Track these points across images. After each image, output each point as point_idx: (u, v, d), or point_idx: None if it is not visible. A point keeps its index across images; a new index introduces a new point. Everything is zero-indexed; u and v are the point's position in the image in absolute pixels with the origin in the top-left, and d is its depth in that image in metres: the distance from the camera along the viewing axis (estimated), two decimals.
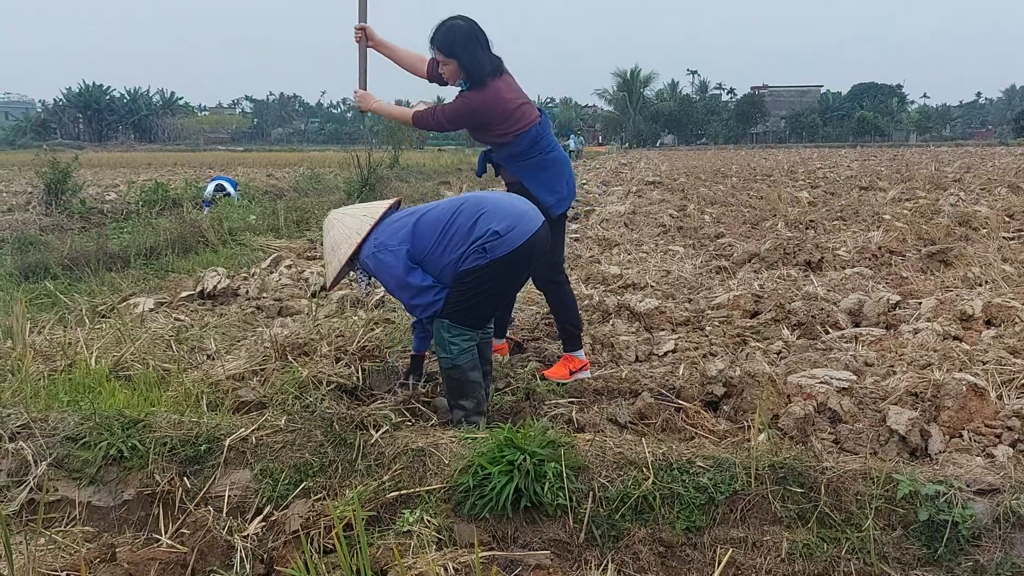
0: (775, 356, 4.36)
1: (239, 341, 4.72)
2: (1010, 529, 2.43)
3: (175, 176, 22.70)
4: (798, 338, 4.72)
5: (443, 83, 4.05)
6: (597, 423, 3.46)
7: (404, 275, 3.40)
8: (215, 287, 6.14)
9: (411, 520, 2.61)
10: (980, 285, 5.81)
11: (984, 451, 3.17)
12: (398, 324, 4.63)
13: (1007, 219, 9.54)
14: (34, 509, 2.85)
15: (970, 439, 3.27)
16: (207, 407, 3.54)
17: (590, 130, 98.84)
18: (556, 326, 4.33)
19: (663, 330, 4.98)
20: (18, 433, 3.11)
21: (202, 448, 2.99)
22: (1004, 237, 8.24)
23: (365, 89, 4.25)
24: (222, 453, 2.96)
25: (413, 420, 3.51)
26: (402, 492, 2.75)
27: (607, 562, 2.54)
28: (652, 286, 6.21)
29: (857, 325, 5.00)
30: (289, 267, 7.32)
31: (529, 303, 5.59)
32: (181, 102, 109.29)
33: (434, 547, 2.53)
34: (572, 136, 49.29)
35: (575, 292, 5.75)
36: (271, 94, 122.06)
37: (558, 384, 3.96)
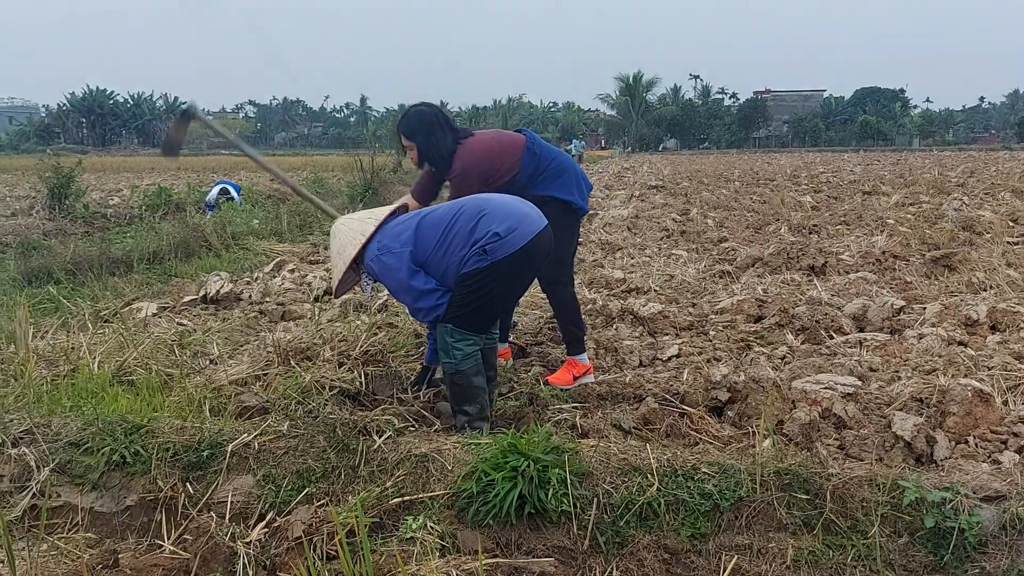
0: (779, 361, 4.35)
1: (242, 346, 4.72)
2: (1017, 536, 2.41)
3: (178, 180, 22.72)
4: (802, 343, 4.71)
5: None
6: (601, 428, 3.44)
7: (407, 278, 3.39)
8: (218, 291, 6.14)
9: (414, 527, 2.60)
10: (985, 290, 5.79)
11: (990, 457, 3.15)
12: (401, 328, 4.62)
13: (1011, 224, 9.52)
14: (37, 515, 2.85)
15: (976, 445, 3.25)
16: (210, 412, 3.53)
17: (592, 134, 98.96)
18: (559, 329, 4.32)
19: (667, 335, 4.97)
20: (21, 439, 3.10)
21: (205, 454, 2.98)
22: (1008, 242, 8.22)
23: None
24: (225, 459, 2.95)
25: (416, 426, 3.50)
26: (405, 498, 2.74)
27: (611, 569, 2.53)
28: (655, 290, 6.20)
29: (861, 330, 4.98)
30: (292, 271, 7.32)
31: (532, 307, 5.59)
32: (184, 107, 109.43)
33: (437, 554, 2.52)
34: (574, 140, 49.58)
35: (578, 296, 5.76)
36: (274, 99, 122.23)
37: (561, 389, 3.94)
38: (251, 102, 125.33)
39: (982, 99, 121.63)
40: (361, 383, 3.88)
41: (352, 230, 3.58)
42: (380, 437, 3.02)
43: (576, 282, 6.43)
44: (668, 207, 13.18)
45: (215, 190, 13.81)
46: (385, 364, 4.08)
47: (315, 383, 3.72)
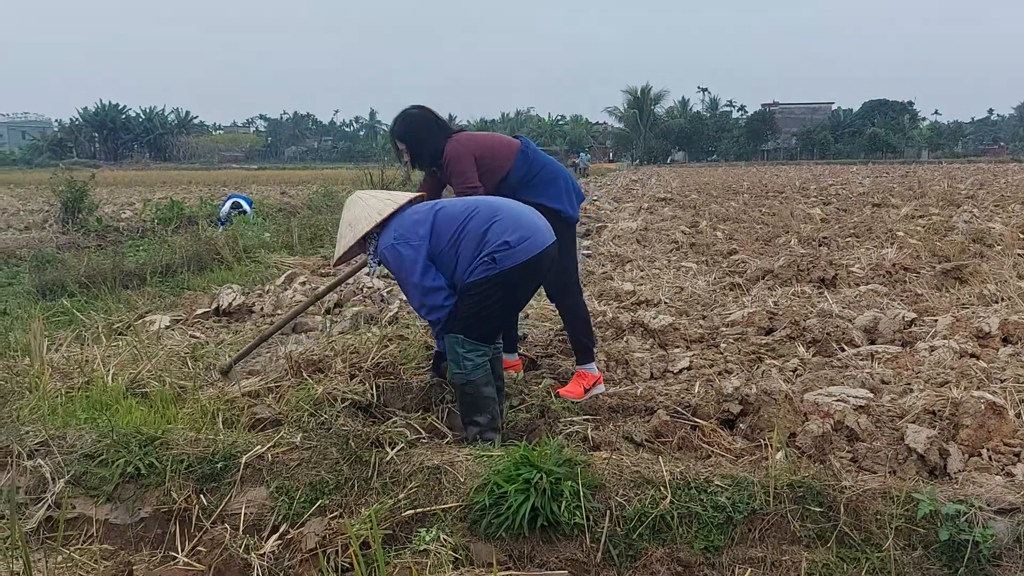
0: (791, 374, 4.34)
1: (254, 358, 4.74)
2: None
3: (190, 194, 22.89)
4: (814, 355, 4.70)
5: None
6: (613, 441, 3.45)
7: (421, 273, 3.38)
8: (230, 304, 6.18)
9: (427, 539, 2.60)
10: (996, 302, 5.77)
11: (1003, 470, 3.14)
12: (412, 341, 4.63)
13: (1022, 236, 9.48)
14: (52, 526, 2.87)
15: (989, 458, 3.24)
16: (223, 424, 3.55)
17: (600, 147, 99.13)
18: (569, 339, 4.34)
19: (677, 347, 4.97)
20: (36, 450, 3.13)
21: (218, 465, 3.00)
22: (1019, 254, 8.18)
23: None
24: (238, 471, 2.97)
25: (428, 438, 3.51)
26: (418, 510, 2.75)
27: None
28: (666, 303, 6.20)
29: (873, 342, 4.97)
30: (303, 284, 7.35)
31: (542, 319, 5.60)
32: (196, 121, 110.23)
33: (450, 566, 2.53)
34: (581, 153, 49.88)
35: (588, 308, 5.77)
36: (285, 113, 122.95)
37: (573, 401, 3.95)
38: (262, 116, 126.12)
39: (991, 111, 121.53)
40: (373, 395, 3.89)
41: (369, 206, 3.60)
42: (393, 449, 3.03)
43: (586, 294, 6.45)
44: (677, 219, 13.19)
45: (227, 203, 13.89)
46: (396, 376, 4.10)
47: (327, 395, 3.74)
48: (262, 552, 2.65)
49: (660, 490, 2.69)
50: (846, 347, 4.84)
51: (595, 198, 19.65)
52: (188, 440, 3.14)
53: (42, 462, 3.06)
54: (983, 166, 44.82)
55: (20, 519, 2.88)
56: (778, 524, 2.58)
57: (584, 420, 3.73)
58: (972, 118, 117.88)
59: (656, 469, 2.79)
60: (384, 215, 3.52)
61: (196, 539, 2.82)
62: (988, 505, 2.52)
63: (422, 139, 4.05)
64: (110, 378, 4.03)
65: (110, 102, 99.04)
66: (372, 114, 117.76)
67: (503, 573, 2.51)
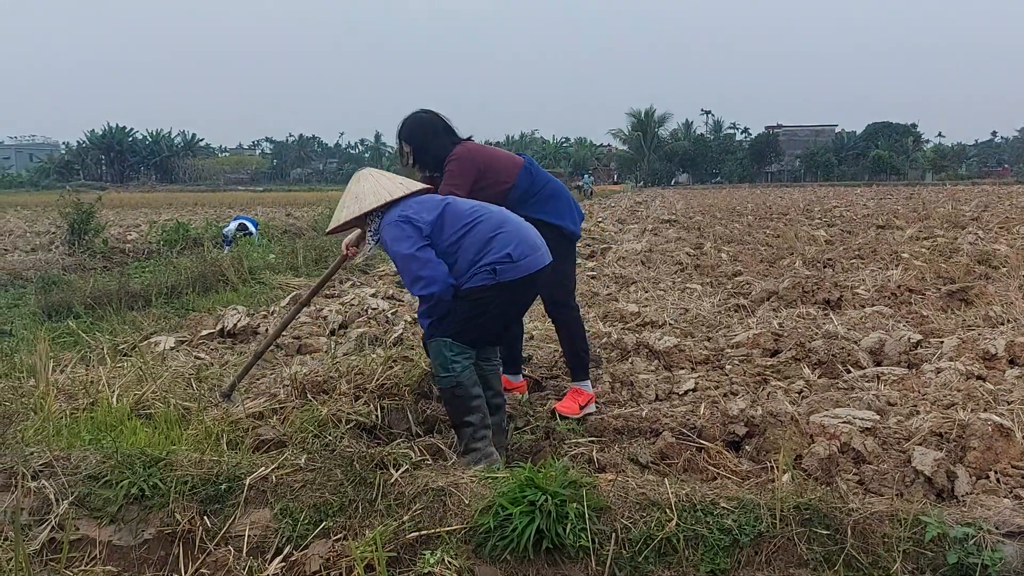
0: (797, 395, 4.33)
1: (259, 379, 4.74)
2: None
3: (196, 216, 23.00)
4: (819, 377, 4.69)
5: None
6: (618, 463, 3.43)
7: (420, 247, 3.42)
8: (235, 325, 6.19)
9: (432, 561, 2.59)
10: (1002, 324, 5.75)
11: (1012, 492, 3.11)
12: (416, 362, 4.63)
13: None
14: (56, 548, 2.86)
15: (997, 480, 3.21)
16: (227, 446, 3.55)
17: (605, 168, 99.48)
18: (565, 354, 4.33)
19: (683, 368, 4.96)
20: (40, 471, 3.12)
21: (222, 487, 2.99)
22: None
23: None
24: (242, 492, 2.95)
25: (432, 459, 3.50)
26: (422, 532, 2.73)
27: None
28: (670, 324, 6.19)
29: (879, 364, 4.95)
30: (307, 305, 7.36)
31: (547, 340, 5.59)
32: (202, 144, 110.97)
33: None
34: (585, 175, 50.26)
35: (593, 330, 5.77)
36: (290, 135, 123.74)
37: (577, 423, 3.94)
38: (267, 139, 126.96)
39: (994, 133, 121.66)
40: (377, 416, 3.89)
41: (380, 185, 3.62)
42: (397, 471, 3.01)
43: (591, 315, 6.46)
44: (681, 241, 13.21)
45: (233, 225, 13.96)
46: (401, 398, 4.09)
47: (332, 416, 3.74)
48: (265, 574, 2.63)
49: (666, 512, 2.67)
50: (852, 369, 4.82)
51: (600, 219, 19.69)
52: (192, 461, 3.13)
53: (46, 483, 3.05)
54: (987, 188, 44.86)
55: (24, 540, 2.87)
56: (785, 547, 2.56)
57: (589, 442, 3.71)
58: (976, 140, 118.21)
59: (662, 491, 2.77)
60: (394, 196, 3.57)
61: (199, 561, 2.80)
62: (997, 528, 2.50)
63: (428, 142, 4.05)
64: (115, 399, 4.03)
65: (117, 125, 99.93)
66: (377, 136, 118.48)
67: None
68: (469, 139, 4.16)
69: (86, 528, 2.95)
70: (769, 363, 4.95)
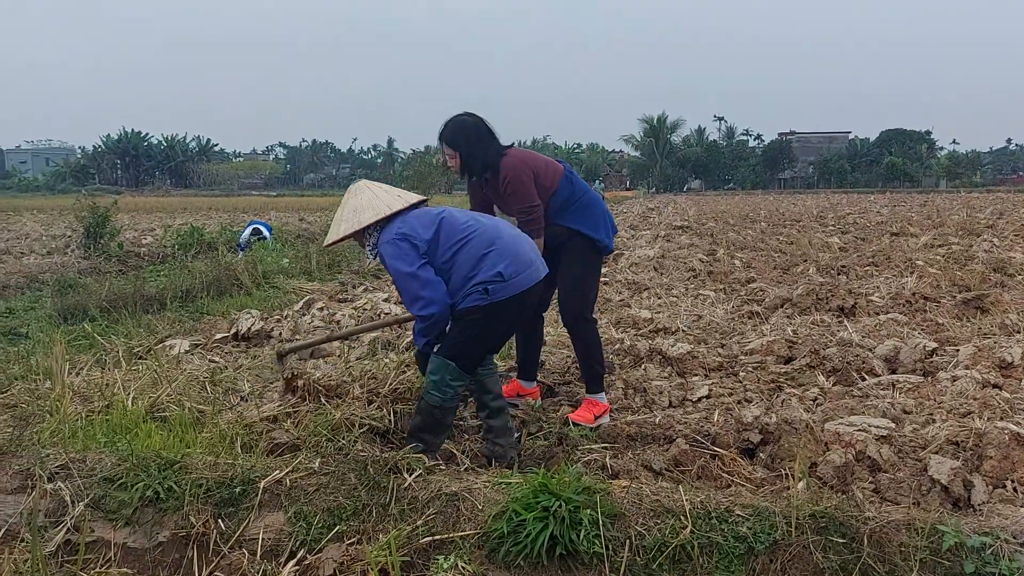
0: (811, 403, 4.30)
1: (272, 383, 4.76)
2: None
3: (210, 220, 23.11)
4: (834, 385, 4.66)
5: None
6: (632, 469, 3.42)
7: (419, 266, 3.44)
8: (249, 329, 6.22)
9: (445, 566, 2.59)
10: (1018, 332, 5.71)
11: None
12: None
13: None
14: (71, 550, 2.88)
15: (1014, 489, 3.18)
16: (241, 449, 3.56)
17: (617, 175, 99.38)
18: (580, 367, 4.31)
19: (696, 375, 4.94)
20: (56, 473, 3.14)
21: (237, 490, 3.00)
22: None
23: None
24: (257, 495, 2.97)
25: (446, 464, 3.50)
26: (436, 537, 2.73)
27: None
28: (684, 331, 6.18)
29: (894, 372, 4.92)
30: (321, 309, 7.39)
31: (560, 346, 5.59)
32: (217, 148, 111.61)
33: None
34: (596, 181, 50.40)
35: (606, 336, 5.76)
36: (304, 141, 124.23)
37: (591, 429, 3.93)
38: (281, 144, 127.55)
39: (1009, 140, 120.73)
40: (390, 421, 3.90)
41: (378, 198, 3.63)
42: (411, 475, 3.02)
43: (603, 322, 6.44)
44: (694, 247, 13.17)
45: (248, 230, 14.01)
46: (414, 402, 4.09)
47: (345, 420, 3.75)
48: None
49: (680, 519, 2.66)
50: (867, 376, 4.79)
51: None
52: (207, 464, 3.14)
53: (62, 485, 3.07)
54: (1002, 195, 44.50)
55: (40, 542, 2.89)
56: (800, 555, 2.54)
57: (602, 448, 3.71)
58: (991, 147, 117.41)
59: (676, 498, 2.76)
60: (393, 210, 3.58)
61: (214, 564, 2.81)
62: (1014, 537, 2.48)
63: (474, 146, 4.01)
64: (130, 402, 4.06)
65: (132, 130, 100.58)
66: (390, 142, 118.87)
67: None
68: (511, 146, 4.13)
69: (101, 530, 2.97)
70: (783, 370, 4.93)
